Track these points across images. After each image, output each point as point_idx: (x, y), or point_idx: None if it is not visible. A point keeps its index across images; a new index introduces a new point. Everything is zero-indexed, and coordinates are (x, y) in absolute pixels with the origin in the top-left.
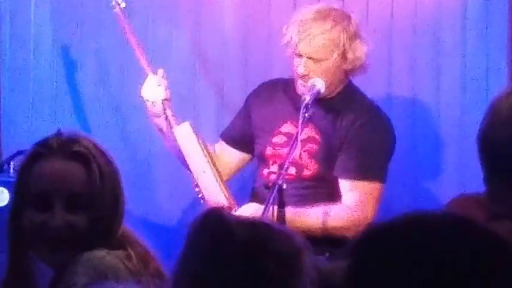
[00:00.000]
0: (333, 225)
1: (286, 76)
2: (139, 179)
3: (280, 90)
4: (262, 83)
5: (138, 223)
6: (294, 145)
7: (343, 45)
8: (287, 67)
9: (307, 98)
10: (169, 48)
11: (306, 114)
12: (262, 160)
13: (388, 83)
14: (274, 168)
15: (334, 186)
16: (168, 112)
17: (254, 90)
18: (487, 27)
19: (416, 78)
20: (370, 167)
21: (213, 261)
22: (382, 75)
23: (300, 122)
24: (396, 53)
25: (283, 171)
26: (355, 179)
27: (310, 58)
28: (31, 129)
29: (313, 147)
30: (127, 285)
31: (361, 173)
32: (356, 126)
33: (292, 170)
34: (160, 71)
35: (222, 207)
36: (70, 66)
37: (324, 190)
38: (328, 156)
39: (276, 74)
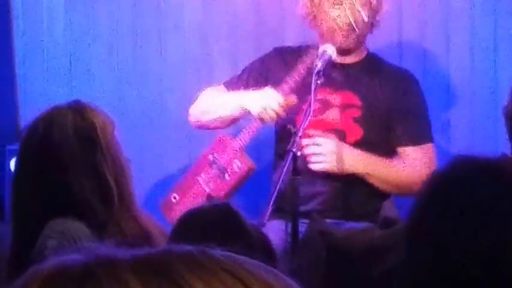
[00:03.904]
0: (408, 180)
1: (299, 39)
2: (153, 146)
3: (293, 59)
4: (275, 49)
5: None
6: (308, 112)
7: None
8: (300, 30)
9: (319, 65)
10: (181, 12)
11: (318, 82)
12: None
13: (398, 43)
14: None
15: (381, 151)
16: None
17: (269, 56)
18: None
19: (426, 42)
20: (423, 131)
21: None
22: (392, 38)
23: (313, 88)
24: (406, 17)
25: (297, 138)
26: (413, 145)
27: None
28: (47, 96)
29: (356, 111)
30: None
31: (417, 138)
32: (399, 94)
33: (331, 137)
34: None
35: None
36: (84, 33)
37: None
38: (372, 121)
39: (289, 38)
